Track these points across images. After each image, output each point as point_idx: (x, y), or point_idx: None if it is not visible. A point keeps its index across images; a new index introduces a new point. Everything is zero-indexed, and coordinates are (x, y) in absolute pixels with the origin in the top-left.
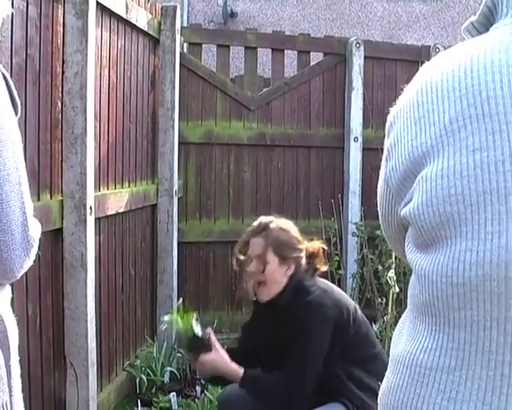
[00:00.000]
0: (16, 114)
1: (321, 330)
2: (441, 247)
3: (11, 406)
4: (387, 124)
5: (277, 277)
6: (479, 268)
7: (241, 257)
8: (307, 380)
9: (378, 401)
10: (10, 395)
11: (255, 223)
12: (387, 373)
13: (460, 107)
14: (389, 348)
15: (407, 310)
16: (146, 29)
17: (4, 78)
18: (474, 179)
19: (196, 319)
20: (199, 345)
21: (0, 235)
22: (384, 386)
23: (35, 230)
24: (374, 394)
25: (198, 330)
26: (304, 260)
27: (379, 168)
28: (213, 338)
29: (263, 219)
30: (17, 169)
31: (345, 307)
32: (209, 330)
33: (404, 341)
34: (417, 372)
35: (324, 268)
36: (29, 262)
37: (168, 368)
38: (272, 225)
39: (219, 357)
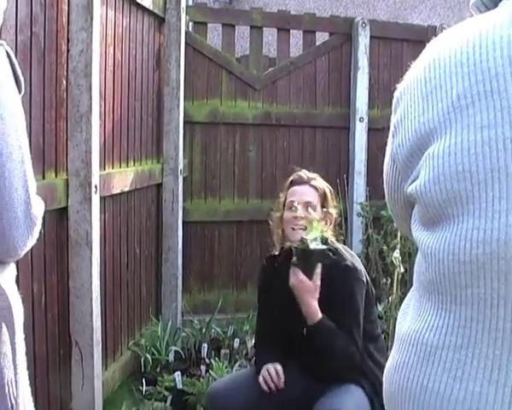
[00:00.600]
0: (20, 91)
1: (361, 295)
2: (448, 225)
3: (16, 383)
4: (394, 100)
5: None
6: (486, 246)
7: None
8: (359, 345)
9: (383, 379)
10: (15, 373)
11: (298, 174)
12: (393, 351)
13: (468, 83)
14: (394, 328)
15: (413, 288)
16: (151, 8)
17: (8, 55)
18: (481, 157)
19: (322, 241)
20: (306, 263)
21: (3, 213)
22: (389, 364)
23: (38, 208)
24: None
25: (315, 244)
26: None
27: (384, 148)
28: (318, 271)
29: (305, 171)
30: (20, 147)
31: (365, 276)
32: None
33: (410, 319)
34: (423, 350)
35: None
36: (32, 241)
37: (173, 347)
38: (319, 179)
39: (314, 290)
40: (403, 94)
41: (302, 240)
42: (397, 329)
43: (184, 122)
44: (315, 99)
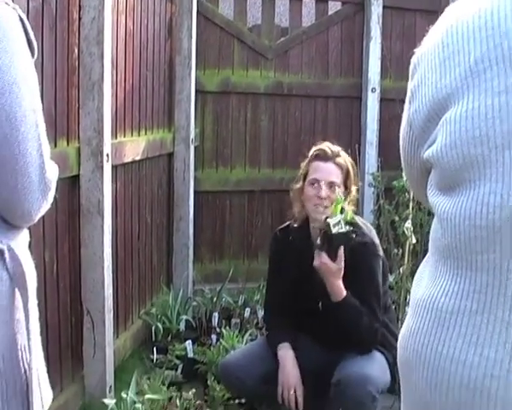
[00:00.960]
0: (33, 55)
1: (380, 271)
2: (465, 189)
3: (29, 348)
4: (411, 66)
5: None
6: (503, 211)
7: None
8: (380, 321)
9: (398, 345)
10: (28, 339)
11: (322, 148)
12: (407, 317)
13: (486, 47)
14: (405, 299)
15: (428, 254)
16: None
17: (20, 19)
18: (499, 121)
19: (345, 223)
20: (330, 245)
21: (17, 178)
22: (404, 330)
23: (52, 172)
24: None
25: (333, 228)
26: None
27: (396, 119)
28: (341, 253)
29: (330, 145)
30: (34, 111)
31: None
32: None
33: (425, 285)
34: (438, 316)
35: None
36: (46, 205)
37: (184, 316)
38: (343, 154)
39: (338, 271)
40: (420, 59)
41: (325, 222)
42: (411, 295)
43: (196, 91)
44: (327, 69)
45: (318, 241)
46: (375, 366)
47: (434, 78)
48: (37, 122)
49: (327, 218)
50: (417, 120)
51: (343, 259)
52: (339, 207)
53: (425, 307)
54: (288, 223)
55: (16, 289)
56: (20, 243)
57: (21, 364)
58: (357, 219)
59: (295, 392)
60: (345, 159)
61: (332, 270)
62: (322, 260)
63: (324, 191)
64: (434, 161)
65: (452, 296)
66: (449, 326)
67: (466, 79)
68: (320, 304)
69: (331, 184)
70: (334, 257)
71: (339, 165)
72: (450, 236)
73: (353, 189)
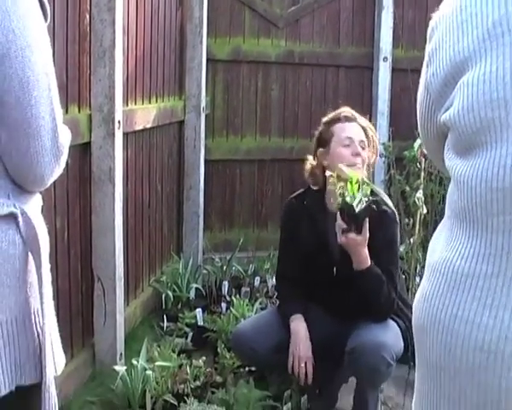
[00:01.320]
0: (46, 19)
1: (398, 239)
2: (481, 152)
3: (42, 312)
4: (429, 29)
5: (365, 167)
6: None
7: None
8: (398, 291)
9: (413, 309)
10: (41, 302)
11: (344, 112)
12: (423, 281)
13: (504, 10)
14: (415, 269)
15: (444, 218)
16: None
17: None
18: None
19: (359, 201)
20: (354, 222)
21: (30, 142)
22: (419, 294)
23: (65, 137)
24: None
25: (356, 208)
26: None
27: (408, 89)
28: (366, 224)
29: (349, 109)
30: (47, 74)
31: None
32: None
33: (441, 248)
34: (454, 279)
35: None
36: (59, 170)
37: (194, 285)
38: (363, 118)
39: (364, 241)
40: (438, 23)
41: (346, 204)
42: (427, 259)
43: (207, 60)
44: (338, 38)
45: (339, 221)
46: (389, 334)
47: (452, 41)
48: (49, 86)
49: (344, 198)
50: (435, 84)
51: (367, 228)
52: (355, 185)
53: (440, 271)
54: (301, 191)
55: (29, 253)
56: (34, 206)
57: (34, 327)
58: (376, 188)
59: (306, 365)
60: (365, 121)
61: (359, 242)
62: (348, 236)
63: (359, 148)
64: (451, 125)
65: (468, 259)
66: (464, 289)
67: (484, 42)
68: (335, 271)
69: (361, 143)
70: (359, 231)
71: (362, 126)
72: (466, 198)
73: (374, 152)
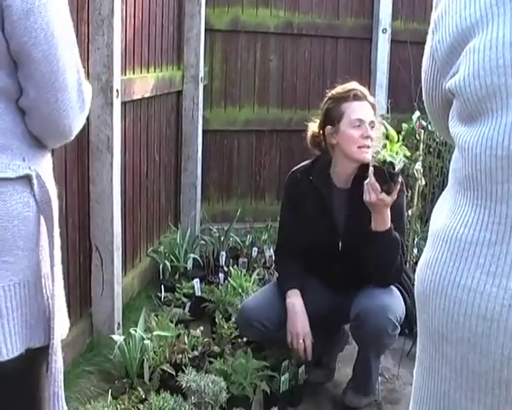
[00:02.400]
0: None
1: (405, 208)
2: (486, 119)
3: (52, 276)
4: None
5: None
6: None
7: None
8: (403, 257)
9: (416, 277)
10: (52, 266)
11: (354, 89)
12: (426, 248)
13: None
14: (413, 241)
15: (448, 186)
16: None
17: None
18: None
19: (399, 160)
20: (387, 180)
21: (57, 94)
22: (422, 261)
23: (88, 90)
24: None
25: (397, 166)
26: None
27: (407, 61)
28: (398, 186)
29: (358, 86)
30: (69, 27)
31: None
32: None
33: (445, 216)
34: (457, 246)
35: None
36: (83, 121)
37: (191, 255)
38: (371, 96)
39: (390, 204)
40: None
41: (387, 162)
42: (430, 226)
43: (205, 30)
44: (337, 9)
45: (372, 179)
46: (392, 298)
47: (459, 7)
48: (72, 40)
49: (383, 159)
50: (440, 51)
51: (397, 190)
52: (396, 145)
53: (443, 238)
54: (305, 164)
55: (41, 217)
56: (47, 169)
57: (44, 291)
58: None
59: (304, 341)
60: (372, 98)
61: (387, 202)
62: (379, 196)
63: (370, 130)
64: (457, 92)
65: (471, 227)
66: (467, 257)
67: (491, 8)
68: (340, 246)
69: (372, 124)
70: (390, 191)
71: (372, 104)
72: (470, 166)
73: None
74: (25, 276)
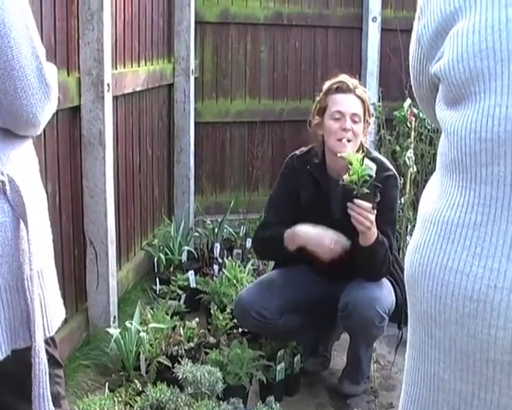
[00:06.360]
0: None
1: (397, 202)
2: (470, 102)
3: (31, 278)
4: None
5: (359, 138)
6: (508, 123)
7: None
8: (393, 250)
9: (405, 261)
10: (30, 269)
11: (342, 81)
12: (415, 232)
13: None
14: (406, 228)
15: (436, 170)
16: None
17: None
18: (505, 34)
19: (369, 175)
20: (374, 193)
21: (16, 82)
22: (411, 245)
23: (51, 72)
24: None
25: (372, 171)
26: None
27: (397, 49)
28: (377, 199)
29: (348, 78)
30: (23, 14)
31: None
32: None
33: (432, 199)
34: (444, 229)
35: None
36: (51, 105)
37: (186, 247)
38: (360, 87)
39: (372, 215)
40: None
41: (358, 189)
42: (419, 210)
43: (195, 22)
44: None
45: (358, 201)
46: (381, 289)
47: None
48: (27, 25)
49: (352, 180)
50: (426, 36)
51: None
52: (359, 168)
53: (431, 221)
54: (303, 151)
55: (20, 220)
56: (24, 170)
57: (27, 293)
58: (374, 153)
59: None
60: (364, 90)
61: (370, 215)
62: (362, 204)
63: (349, 123)
64: (442, 76)
65: (458, 209)
66: (454, 239)
67: None
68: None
69: (354, 116)
70: (371, 204)
71: (359, 97)
72: (456, 149)
73: (370, 120)
74: (6, 281)
